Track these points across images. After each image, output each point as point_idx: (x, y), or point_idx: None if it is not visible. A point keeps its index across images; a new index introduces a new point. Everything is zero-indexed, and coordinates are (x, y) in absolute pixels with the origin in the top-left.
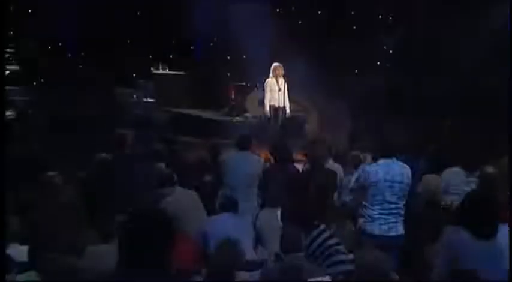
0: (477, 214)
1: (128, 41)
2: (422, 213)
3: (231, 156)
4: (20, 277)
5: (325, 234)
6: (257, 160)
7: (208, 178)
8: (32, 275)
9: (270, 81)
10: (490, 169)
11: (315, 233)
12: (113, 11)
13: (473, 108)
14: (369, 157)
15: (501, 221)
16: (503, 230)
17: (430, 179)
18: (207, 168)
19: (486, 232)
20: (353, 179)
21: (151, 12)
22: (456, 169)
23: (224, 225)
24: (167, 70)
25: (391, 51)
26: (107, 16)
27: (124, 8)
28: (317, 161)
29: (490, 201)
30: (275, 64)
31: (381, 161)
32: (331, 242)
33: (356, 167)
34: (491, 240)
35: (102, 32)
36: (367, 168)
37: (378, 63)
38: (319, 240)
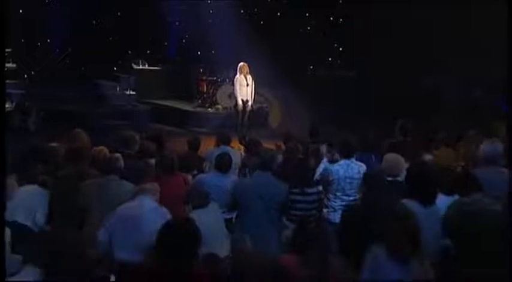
0: (419, 187)
1: (110, 39)
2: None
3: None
4: None
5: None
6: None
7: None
8: None
9: (239, 77)
10: (427, 157)
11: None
12: (97, 14)
13: (416, 108)
14: (328, 149)
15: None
16: (441, 198)
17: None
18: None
19: (427, 200)
20: (318, 172)
21: (131, 14)
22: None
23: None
24: (146, 66)
25: (340, 49)
26: (92, 18)
27: (106, 10)
28: (292, 152)
29: (427, 177)
30: (241, 63)
31: (342, 161)
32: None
33: (316, 158)
34: (432, 207)
35: (88, 32)
36: (331, 167)
37: (330, 59)
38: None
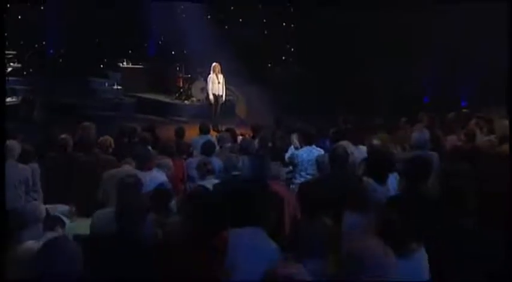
0: (376, 168)
1: (97, 41)
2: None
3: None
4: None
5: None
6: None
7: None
8: None
9: (212, 76)
10: (374, 141)
11: None
12: (86, 19)
13: (357, 101)
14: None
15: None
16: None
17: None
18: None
19: (382, 179)
20: (287, 156)
21: (115, 19)
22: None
23: None
24: (130, 64)
25: (292, 49)
26: (83, 22)
27: (94, 17)
28: (266, 139)
29: (382, 160)
30: (214, 63)
31: (304, 148)
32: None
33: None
34: (385, 185)
35: (78, 35)
36: (296, 152)
37: (284, 58)
38: None
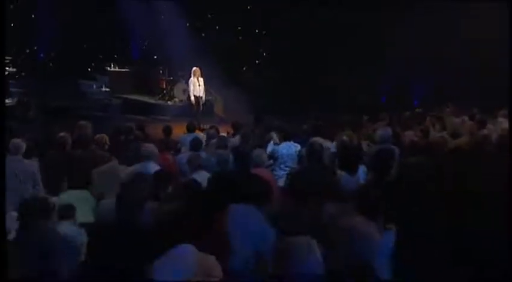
0: (347, 161)
1: (85, 47)
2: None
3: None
4: None
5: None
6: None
7: None
8: None
9: (193, 79)
10: (343, 137)
11: None
12: (75, 25)
13: (325, 101)
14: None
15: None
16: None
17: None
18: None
19: (353, 170)
20: (267, 151)
21: (100, 27)
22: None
23: None
24: (116, 68)
25: (264, 54)
26: (71, 28)
27: (82, 23)
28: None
29: (353, 155)
30: (194, 68)
31: (283, 144)
32: None
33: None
34: (355, 176)
35: (68, 40)
36: (276, 147)
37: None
38: None
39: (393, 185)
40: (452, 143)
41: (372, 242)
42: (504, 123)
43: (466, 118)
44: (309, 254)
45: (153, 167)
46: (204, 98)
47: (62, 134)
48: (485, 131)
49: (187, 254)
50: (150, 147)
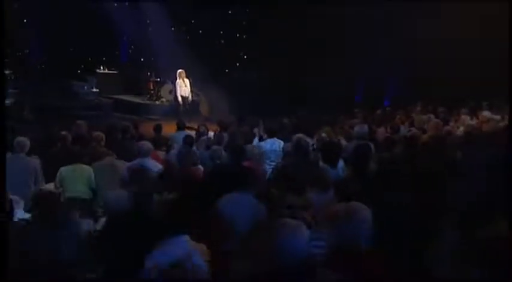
0: (330, 155)
1: (75, 50)
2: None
3: None
4: None
5: None
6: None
7: None
8: None
9: (179, 81)
10: (323, 134)
11: None
12: (64, 29)
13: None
14: (256, 131)
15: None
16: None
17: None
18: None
19: (334, 164)
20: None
21: (89, 31)
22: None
23: None
24: (106, 70)
25: (245, 57)
26: (61, 32)
27: (72, 27)
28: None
29: (334, 149)
30: (180, 70)
31: (268, 140)
32: None
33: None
34: (336, 168)
35: (58, 43)
36: (261, 143)
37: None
38: None
39: (370, 176)
40: (423, 137)
41: (367, 225)
42: (466, 120)
43: (432, 116)
44: (297, 236)
45: (152, 163)
46: (190, 98)
47: (63, 132)
48: (448, 128)
49: (182, 241)
50: (147, 144)
